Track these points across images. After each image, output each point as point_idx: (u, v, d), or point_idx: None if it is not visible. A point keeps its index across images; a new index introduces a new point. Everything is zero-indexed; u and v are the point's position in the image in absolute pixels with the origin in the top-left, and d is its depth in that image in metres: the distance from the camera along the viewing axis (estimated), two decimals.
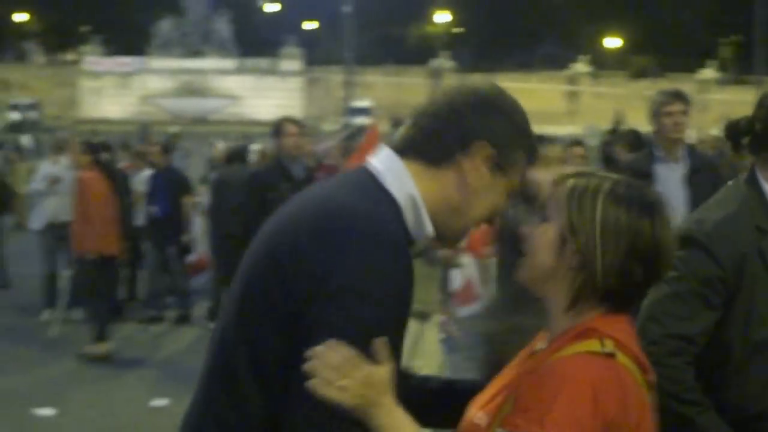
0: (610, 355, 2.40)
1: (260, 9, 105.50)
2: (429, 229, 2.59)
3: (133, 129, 49.01)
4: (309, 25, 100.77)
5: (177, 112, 68.84)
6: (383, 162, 2.61)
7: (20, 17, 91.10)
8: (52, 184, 14.31)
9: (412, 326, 7.52)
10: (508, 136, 2.60)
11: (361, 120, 52.15)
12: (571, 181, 2.55)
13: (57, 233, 14.15)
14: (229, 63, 75.55)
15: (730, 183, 3.83)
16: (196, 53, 75.75)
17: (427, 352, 7.66)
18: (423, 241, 2.61)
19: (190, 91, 73.28)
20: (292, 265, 2.38)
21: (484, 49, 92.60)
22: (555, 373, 2.36)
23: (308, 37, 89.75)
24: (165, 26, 76.44)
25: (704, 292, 3.56)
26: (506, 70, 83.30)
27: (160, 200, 14.09)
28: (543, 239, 2.55)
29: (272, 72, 75.22)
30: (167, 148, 15.03)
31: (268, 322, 2.41)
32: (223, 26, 77.49)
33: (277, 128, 10.19)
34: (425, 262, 7.46)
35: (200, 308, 14.39)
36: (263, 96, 72.80)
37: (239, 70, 75.22)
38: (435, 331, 7.81)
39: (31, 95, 71.75)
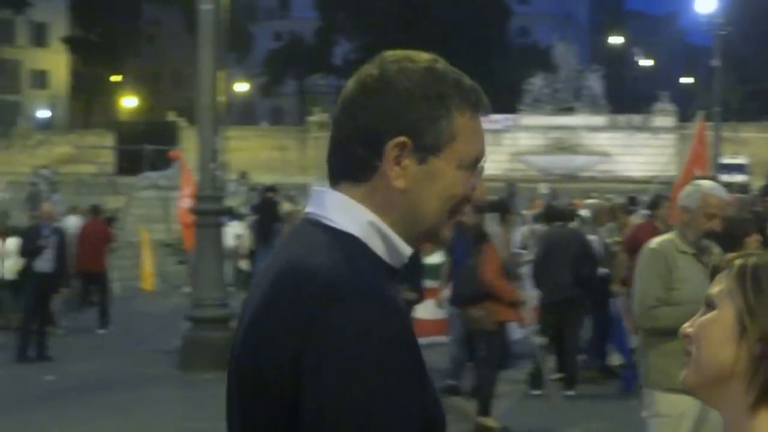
0: None
1: (635, 64, 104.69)
2: (404, 247, 2.26)
3: (501, 186, 49.34)
4: (685, 80, 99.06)
5: (547, 170, 68.80)
6: (319, 204, 2.27)
7: None
8: None
9: (694, 406, 6.78)
10: (415, 112, 2.21)
11: (734, 177, 50.37)
12: (738, 262, 2.23)
13: None
14: (600, 119, 74.88)
15: None
16: (567, 110, 75.58)
17: None
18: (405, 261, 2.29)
19: (561, 148, 73.10)
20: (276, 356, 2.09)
21: None
22: None
23: (684, 92, 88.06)
24: (537, 83, 76.68)
25: None
26: None
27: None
28: (716, 330, 2.18)
29: (644, 128, 73.97)
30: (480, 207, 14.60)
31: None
32: (595, 82, 76.86)
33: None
34: None
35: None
36: (635, 153, 71.67)
37: (610, 127, 74.41)
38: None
39: None
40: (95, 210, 22.71)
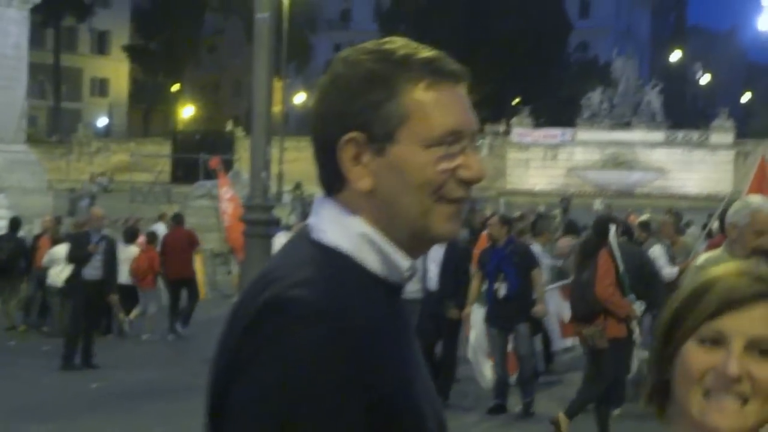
0: None
1: (694, 80, 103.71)
2: (401, 261, 2.06)
3: (555, 201, 49.12)
4: (745, 97, 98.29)
5: (602, 185, 68.43)
6: (317, 213, 2.10)
7: None
8: None
9: None
10: (356, 103, 2.02)
11: None
12: None
13: None
14: (657, 135, 74.31)
15: None
16: (624, 125, 75.05)
17: None
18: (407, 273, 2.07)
19: (617, 163, 72.67)
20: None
21: None
22: None
23: (743, 110, 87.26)
24: (594, 98, 76.27)
25: None
26: None
27: (509, 277, 13.22)
28: None
29: (702, 145, 73.33)
30: (507, 219, 14.37)
31: None
32: (654, 97, 76.28)
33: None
34: None
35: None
36: (691, 169, 71.09)
37: (668, 143, 73.83)
38: None
39: None
40: (177, 219, 23.13)
